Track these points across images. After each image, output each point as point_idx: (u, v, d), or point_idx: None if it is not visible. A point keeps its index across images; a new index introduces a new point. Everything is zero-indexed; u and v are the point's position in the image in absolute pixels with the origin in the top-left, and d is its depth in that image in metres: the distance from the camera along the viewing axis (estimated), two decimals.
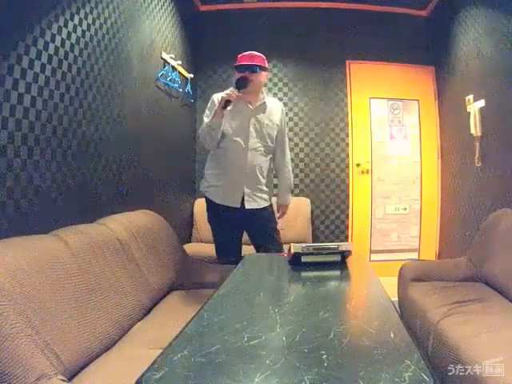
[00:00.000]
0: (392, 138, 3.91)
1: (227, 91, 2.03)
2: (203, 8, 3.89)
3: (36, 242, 1.31)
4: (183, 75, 3.35)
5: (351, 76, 3.88)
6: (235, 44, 3.81)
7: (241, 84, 2.06)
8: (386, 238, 3.91)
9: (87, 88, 1.91)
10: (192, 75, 3.49)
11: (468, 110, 3.01)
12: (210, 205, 2.31)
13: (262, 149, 2.23)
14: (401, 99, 3.90)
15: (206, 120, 2.16)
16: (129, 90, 2.36)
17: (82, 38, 1.84)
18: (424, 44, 3.84)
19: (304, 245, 1.62)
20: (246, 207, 2.23)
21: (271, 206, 2.38)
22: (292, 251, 1.61)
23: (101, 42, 2.03)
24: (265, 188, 2.29)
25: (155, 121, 2.78)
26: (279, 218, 2.47)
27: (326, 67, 3.86)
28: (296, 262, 1.62)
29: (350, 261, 1.67)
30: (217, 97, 2.20)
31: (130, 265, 1.76)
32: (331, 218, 3.87)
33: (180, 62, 3.17)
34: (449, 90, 3.56)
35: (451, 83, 3.49)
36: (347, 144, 3.85)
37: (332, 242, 3.75)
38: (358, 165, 3.85)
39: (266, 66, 2.23)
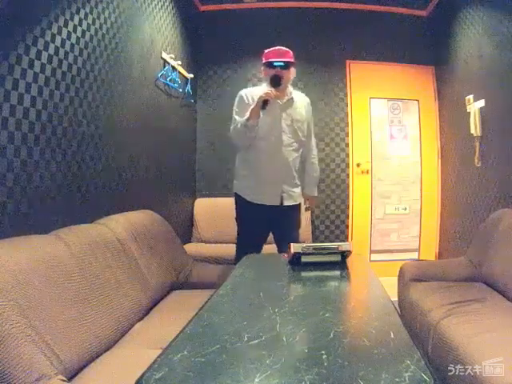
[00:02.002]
0: (392, 138, 3.91)
1: (266, 91, 2.02)
2: (203, 8, 3.90)
3: (36, 242, 1.31)
4: (183, 75, 3.35)
5: (351, 76, 3.88)
6: (235, 44, 3.83)
7: (276, 82, 2.06)
8: (385, 238, 3.91)
9: (87, 88, 1.91)
10: (192, 75, 3.49)
11: (468, 110, 3.01)
12: (243, 204, 2.28)
13: (295, 144, 2.22)
14: (401, 99, 3.90)
15: (238, 118, 2.14)
16: (129, 90, 2.36)
17: (81, 38, 1.84)
18: (424, 44, 3.84)
19: (304, 245, 1.61)
20: (285, 204, 2.22)
21: (301, 203, 2.38)
22: (292, 251, 1.60)
23: (101, 42, 2.02)
24: (298, 183, 2.30)
25: (155, 121, 2.78)
26: (307, 210, 2.45)
27: (326, 67, 3.86)
28: (296, 262, 1.62)
29: (349, 261, 1.67)
30: (245, 93, 2.19)
31: (130, 265, 1.76)
32: (331, 218, 3.87)
33: (180, 62, 3.17)
34: (449, 89, 3.56)
35: (451, 83, 3.49)
36: (347, 144, 3.85)
37: (332, 242, 3.75)
38: (358, 165, 3.85)
39: (294, 61, 2.21)
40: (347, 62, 3.87)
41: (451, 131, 3.55)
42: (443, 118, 3.76)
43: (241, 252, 2.28)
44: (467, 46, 3.10)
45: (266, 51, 2.21)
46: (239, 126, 2.10)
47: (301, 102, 2.29)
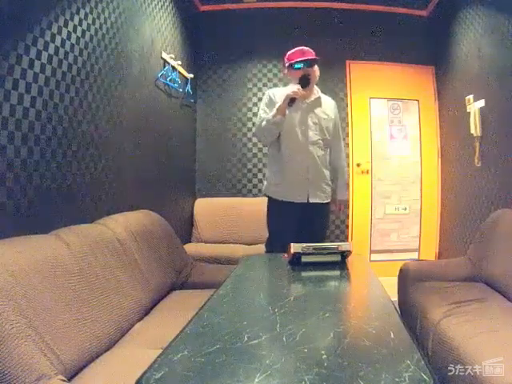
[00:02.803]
0: (392, 138, 3.91)
1: (293, 89, 2.06)
2: (203, 8, 3.89)
3: (36, 242, 1.31)
4: (183, 75, 3.35)
5: (351, 76, 3.88)
6: (235, 44, 3.83)
7: (305, 82, 2.09)
8: (385, 238, 3.91)
9: (87, 88, 1.91)
10: (192, 75, 3.49)
11: (468, 110, 3.01)
12: (272, 204, 2.32)
13: (321, 142, 2.25)
14: (401, 99, 3.90)
15: (264, 116, 2.18)
16: (129, 90, 2.36)
17: (81, 38, 1.84)
18: (424, 44, 3.84)
19: (304, 245, 1.62)
20: (311, 201, 2.23)
21: (330, 203, 2.40)
22: (292, 251, 1.61)
23: (101, 42, 2.02)
24: (328, 181, 2.32)
25: (155, 121, 2.78)
26: (338, 211, 2.49)
27: (326, 67, 3.85)
28: (296, 262, 1.62)
29: (349, 261, 1.67)
30: (272, 92, 2.24)
31: (130, 265, 1.76)
32: (331, 218, 3.87)
33: (180, 62, 3.17)
34: (449, 89, 3.56)
35: (451, 83, 3.49)
36: (347, 144, 3.85)
37: (332, 242, 3.75)
38: (358, 165, 3.85)
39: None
40: (347, 61, 3.87)
41: (451, 131, 3.55)
42: (443, 118, 3.76)
43: (274, 240, 2.34)
44: (467, 46, 3.10)
45: (288, 53, 2.26)
46: (264, 122, 2.14)
47: (328, 102, 2.35)
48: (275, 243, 2.30)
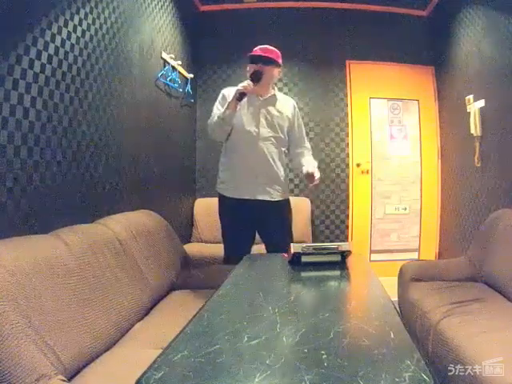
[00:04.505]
0: (392, 138, 3.91)
1: (243, 84, 2.03)
2: (203, 8, 3.90)
3: (36, 242, 1.31)
4: (183, 75, 3.35)
5: (351, 76, 3.88)
6: (235, 44, 3.83)
7: (256, 77, 2.07)
8: (385, 238, 3.91)
9: (87, 88, 1.91)
10: (192, 75, 3.49)
11: (468, 110, 3.01)
12: (222, 200, 2.28)
13: (273, 139, 2.20)
14: (401, 99, 3.90)
15: (216, 112, 2.16)
16: (129, 90, 2.36)
17: (81, 38, 1.84)
18: (424, 44, 3.84)
19: (304, 245, 1.61)
20: (258, 198, 2.18)
21: (288, 202, 2.32)
22: (292, 251, 1.60)
23: (101, 42, 2.02)
24: (279, 180, 2.23)
25: (155, 121, 2.78)
26: (311, 183, 2.21)
27: (326, 67, 3.86)
28: (296, 262, 1.62)
29: (350, 261, 1.67)
30: (228, 91, 2.20)
31: (130, 265, 1.76)
32: (331, 218, 3.87)
33: (180, 62, 3.17)
34: (449, 90, 3.56)
35: (451, 83, 3.49)
36: (347, 144, 3.85)
37: (332, 242, 3.75)
38: (358, 165, 3.85)
39: (280, 62, 2.21)
40: (347, 61, 3.87)
41: (451, 131, 3.55)
42: (443, 118, 3.76)
43: (228, 251, 2.29)
44: (467, 46, 3.10)
45: (254, 48, 2.21)
46: (215, 118, 2.12)
47: (285, 102, 2.29)
48: (231, 242, 2.26)
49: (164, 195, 2.99)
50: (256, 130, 2.17)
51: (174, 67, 3.05)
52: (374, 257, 3.88)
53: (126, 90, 2.33)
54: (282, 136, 2.24)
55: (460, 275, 2.24)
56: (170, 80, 2.99)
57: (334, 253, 1.63)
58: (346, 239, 3.82)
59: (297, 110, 2.34)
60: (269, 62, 2.14)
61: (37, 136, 1.54)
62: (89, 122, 1.93)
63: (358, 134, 3.87)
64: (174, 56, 3.05)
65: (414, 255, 3.88)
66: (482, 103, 2.80)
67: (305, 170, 2.16)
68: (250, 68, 2.16)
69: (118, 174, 2.23)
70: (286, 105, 2.28)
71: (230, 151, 2.23)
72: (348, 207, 3.86)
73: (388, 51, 3.83)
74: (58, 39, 1.65)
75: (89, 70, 1.91)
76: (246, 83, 2.03)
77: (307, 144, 2.39)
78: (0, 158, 1.35)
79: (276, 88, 2.29)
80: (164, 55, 2.88)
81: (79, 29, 1.81)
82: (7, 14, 1.36)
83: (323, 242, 3.80)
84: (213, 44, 3.87)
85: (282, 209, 2.27)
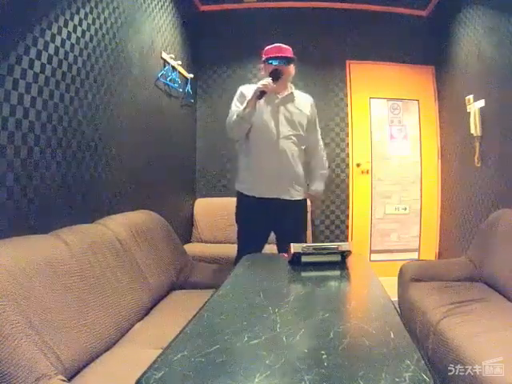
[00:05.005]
0: (392, 138, 3.91)
1: (263, 82, 2.03)
2: (203, 8, 3.89)
3: (36, 242, 1.31)
4: (183, 75, 3.35)
5: (351, 76, 3.88)
6: (235, 44, 3.83)
7: (275, 76, 2.07)
8: (385, 238, 3.91)
9: (87, 88, 1.91)
10: (192, 75, 3.49)
11: (468, 110, 3.01)
12: (241, 199, 2.26)
13: (294, 137, 2.19)
14: (401, 99, 3.90)
15: (235, 109, 2.14)
16: (129, 90, 2.36)
17: (81, 38, 1.84)
18: (424, 44, 3.84)
19: (304, 245, 1.61)
20: (279, 197, 2.17)
21: (306, 201, 2.32)
22: (292, 251, 1.60)
23: (101, 42, 2.02)
24: (299, 180, 2.23)
25: (155, 121, 2.78)
26: (310, 199, 2.32)
27: (326, 67, 3.86)
28: (296, 262, 1.62)
29: (350, 261, 1.67)
30: (246, 88, 2.20)
31: (130, 265, 1.76)
32: (331, 218, 3.87)
33: (180, 62, 3.17)
34: (449, 89, 3.56)
35: (451, 83, 3.49)
36: (347, 144, 3.85)
37: (332, 242, 3.75)
38: (358, 165, 3.85)
39: (294, 57, 2.22)
40: (347, 61, 3.87)
41: (451, 131, 3.55)
42: (443, 118, 3.76)
43: (242, 250, 2.23)
44: (467, 46, 3.10)
45: (265, 48, 2.23)
46: (235, 116, 2.11)
47: (303, 99, 2.30)
48: (246, 242, 2.24)
49: (164, 195, 2.99)
50: (276, 128, 2.16)
51: (173, 67, 3.05)
52: (374, 257, 3.88)
53: (126, 90, 2.32)
54: (303, 134, 2.24)
55: (460, 275, 2.24)
56: (170, 80, 2.99)
57: (334, 253, 1.63)
58: (346, 239, 3.82)
59: (314, 107, 2.36)
60: (288, 61, 2.16)
61: (37, 136, 1.54)
62: (89, 121, 1.93)
63: (358, 133, 3.87)
64: (173, 56, 3.05)
65: (414, 255, 3.88)
66: (482, 103, 2.80)
67: (311, 189, 2.34)
68: (265, 69, 2.17)
69: (117, 173, 2.23)
70: (304, 102, 2.29)
71: (251, 151, 2.20)
72: (348, 207, 3.86)
73: (388, 51, 3.83)
74: (58, 39, 1.65)
75: (89, 70, 1.91)
76: (267, 81, 2.03)
77: (321, 148, 2.39)
78: (0, 158, 1.35)
79: (293, 85, 2.28)
80: (164, 55, 2.88)
81: (79, 29, 1.81)
82: (7, 14, 1.35)
83: (323, 242, 3.80)
84: (213, 44, 3.87)
85: (300, 208, 2.28)
